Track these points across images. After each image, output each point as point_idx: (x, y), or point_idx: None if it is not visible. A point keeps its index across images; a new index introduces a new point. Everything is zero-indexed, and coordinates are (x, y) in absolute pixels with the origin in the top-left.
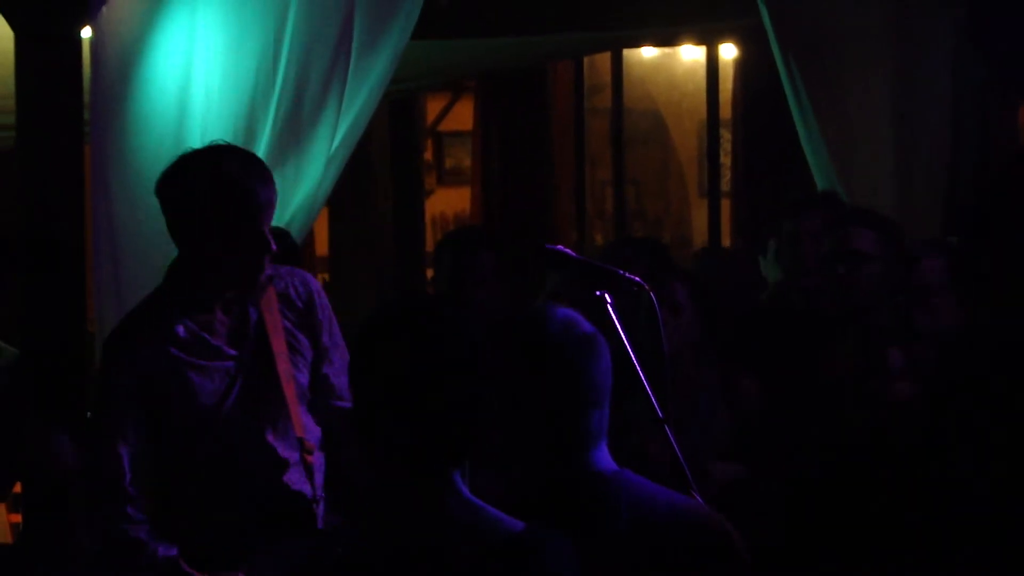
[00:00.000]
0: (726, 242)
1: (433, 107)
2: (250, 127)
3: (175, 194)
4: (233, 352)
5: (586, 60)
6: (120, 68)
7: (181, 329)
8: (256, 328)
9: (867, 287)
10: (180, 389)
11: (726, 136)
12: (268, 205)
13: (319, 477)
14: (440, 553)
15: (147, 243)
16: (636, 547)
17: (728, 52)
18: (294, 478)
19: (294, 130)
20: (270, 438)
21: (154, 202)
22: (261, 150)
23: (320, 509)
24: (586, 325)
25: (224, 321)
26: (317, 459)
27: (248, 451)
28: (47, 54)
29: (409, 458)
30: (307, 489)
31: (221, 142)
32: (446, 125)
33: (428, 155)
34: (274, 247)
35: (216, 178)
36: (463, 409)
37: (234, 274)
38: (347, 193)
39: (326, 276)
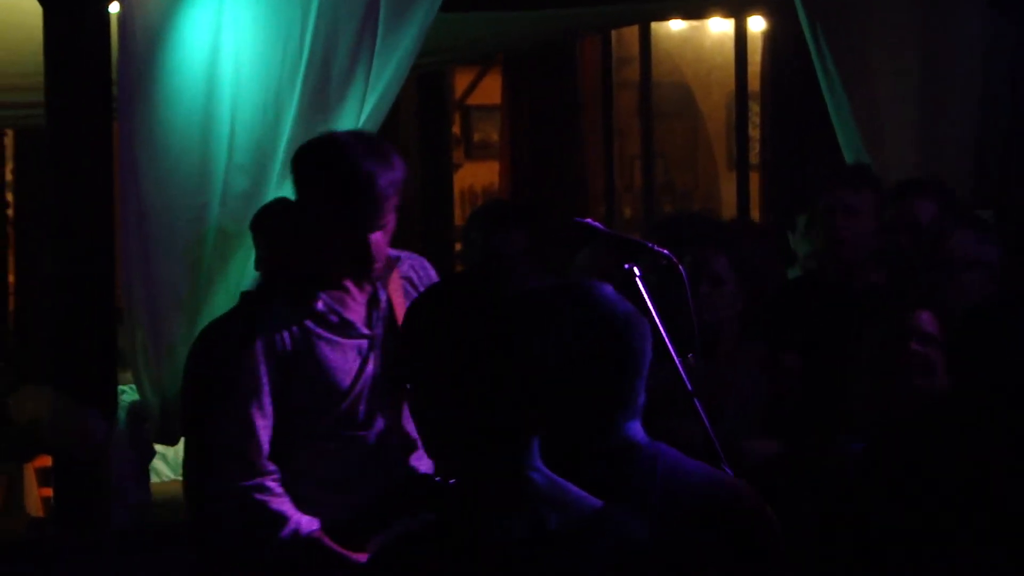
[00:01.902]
0: (755, 215)
1: (461, 81)
2: (279, 101)
3: (304, 172)
4: (366, 331)
5: (614, 33)
6: (148, 43)
7: (320, 303)
8: (387, 309)
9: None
10: (314, 365)
11: (755, 109)
12: (389, 187)
13: None
14: (528, 530)
15: (174, 218)
16: (669, 519)
17: (756, 24)
18: (422, 461)
19: (322, 104)
20: (399, 419)
21: (181, 178)
22: (288, 124)
23: None
24: (626, 303)
25: (358, 299)
26: None
27: (377, 432)
28: (75, 30)
29: (485, 434)
30: (433, 471)
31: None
32: (474, 99)
33: (456, 129)
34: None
35: (337, 162)
36: (535, 376)
37: (351, 254)
38: None
39: None
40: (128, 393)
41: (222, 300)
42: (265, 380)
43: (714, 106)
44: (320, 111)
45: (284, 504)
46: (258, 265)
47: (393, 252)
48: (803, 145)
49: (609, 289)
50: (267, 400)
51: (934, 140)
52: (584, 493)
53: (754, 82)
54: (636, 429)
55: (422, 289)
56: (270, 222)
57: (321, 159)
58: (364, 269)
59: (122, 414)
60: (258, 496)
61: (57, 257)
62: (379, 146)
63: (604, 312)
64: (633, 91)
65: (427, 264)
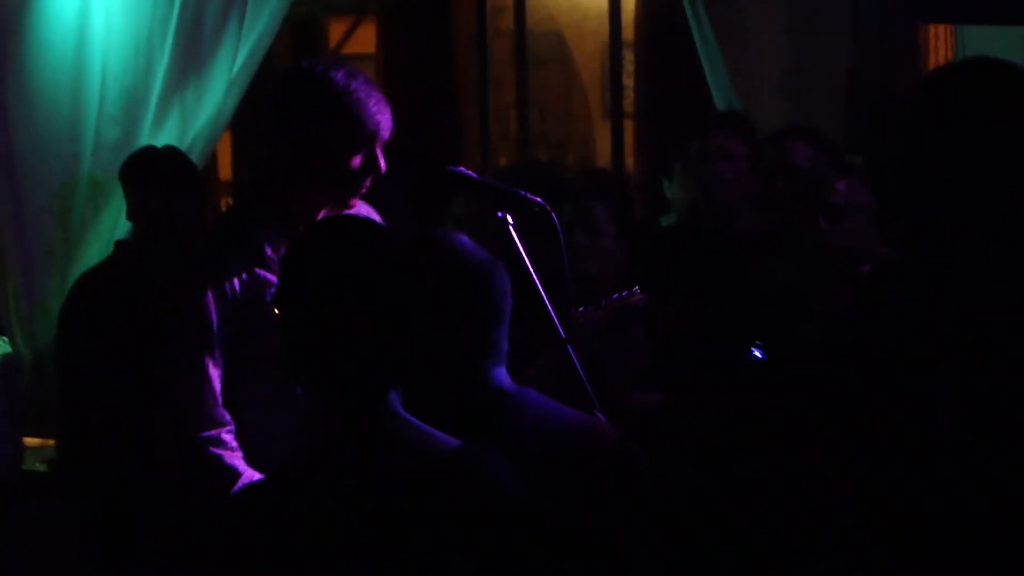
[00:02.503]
0: (629, 163)
1: (336, 30)
2: (150, 51)
3: (286, 99)
4: None
5: None
6: None
7: (269, 249)
8: None
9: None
10: (264, 314)
11: (628, 57)
12: (381, 121)
13: None
14: (383, 472)
15: (45, 169)
16: (540, 460)
17: None
18: None
19: (194, 54)
20: None
21: (52, 128)
22: (160, 75)
23: None
24: (483, 252)
25: None
26: None
27: None
28: None
29: (344, 380)
30: None
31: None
32: (349, 48)
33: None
34: (383, 168)
35: (323, 90)
36: (396, 326)
37: (336, 193)
38: (250, 116)
39: (229, 200)
40: (0, 345)
41: (94, 251)
42: (216, 328)
43: (588, 55)
44: (193, 61)
45: (236, 459)
46: (130, 215)
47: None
48: (677, 93)
49: (465, 238)
50: (218, 349)
51: (805, 87)
52: (444, 435)
53: (628, 31)
54: (502, 376)
55: None
56: (139, 170)
57: (305, 84)
58: (348, 194)
59: None
60: (213, 449)
61: None
62: (360, 76)
63: (461, 261)
64: (508, 39)
65: (375, 214)
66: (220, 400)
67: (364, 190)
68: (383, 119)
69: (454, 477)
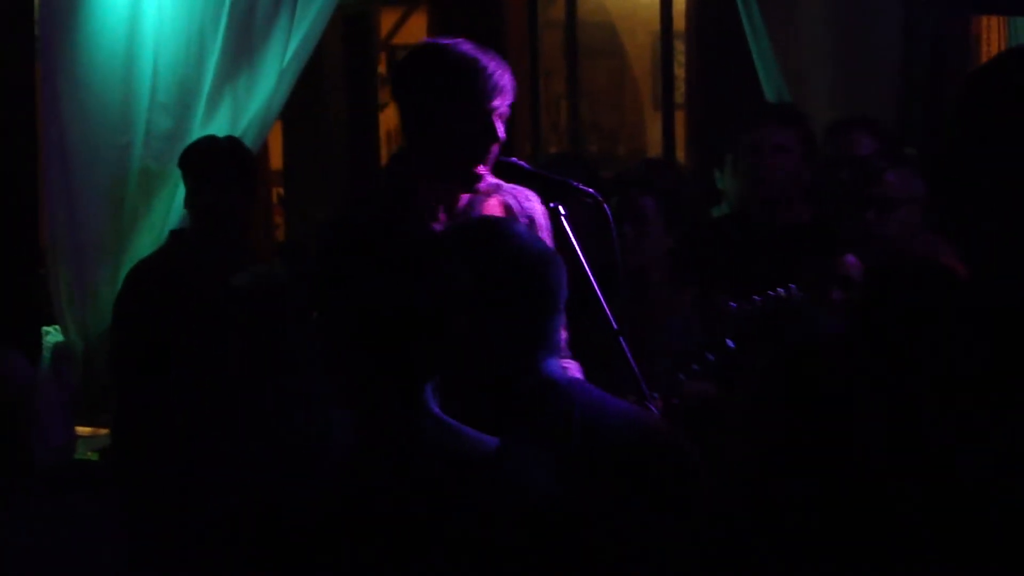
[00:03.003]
0: (680, 154)
1: (387, 21)
2: (202, 41)
3: (405, 80)
4: None
5: None
6: None
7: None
8: None
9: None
10: None
11: (680, 48)
12: (498, 89)
13: None
14: (419, 473)
15: (97, 158)
16: (588, 453)
17: None
18: None
19: (246, 44)
20: None
21: (104, 118)
22: (212, 64)
23: None
24: (540, 241)
25: (447, 223)
26: None
27: None
28: None
29: (378, 376)
30: None
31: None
32: (400, 39)
33: (382, 69)
34: (502, 136)
35: (446, 57)
36: (429, 322)
37: (456, 160)
38: (301, 107)
39: (280, 190)
40: (53, 334)
41: (146, 240)
42: None
43: (640, 46)
44: (244, 51)
45: None
46: (187, 205)
47: (495, 181)
48: (728, 85)
49: (521, 227)
50: None
51: (855, 79)
52: (480, 434)
53: (679, 21)
54: (554, 367)
55: (523, 221)
56: (199, 160)
57: (430, 58)
58: (471, 162)
59: (47, 355)
60: None
61: None
62: (481, 46)
63: (517, 250)
64: (559, 30)
65: (535, 198)
66: None
67: (490, 158)
68: (504, 85)
69: (488, 479)
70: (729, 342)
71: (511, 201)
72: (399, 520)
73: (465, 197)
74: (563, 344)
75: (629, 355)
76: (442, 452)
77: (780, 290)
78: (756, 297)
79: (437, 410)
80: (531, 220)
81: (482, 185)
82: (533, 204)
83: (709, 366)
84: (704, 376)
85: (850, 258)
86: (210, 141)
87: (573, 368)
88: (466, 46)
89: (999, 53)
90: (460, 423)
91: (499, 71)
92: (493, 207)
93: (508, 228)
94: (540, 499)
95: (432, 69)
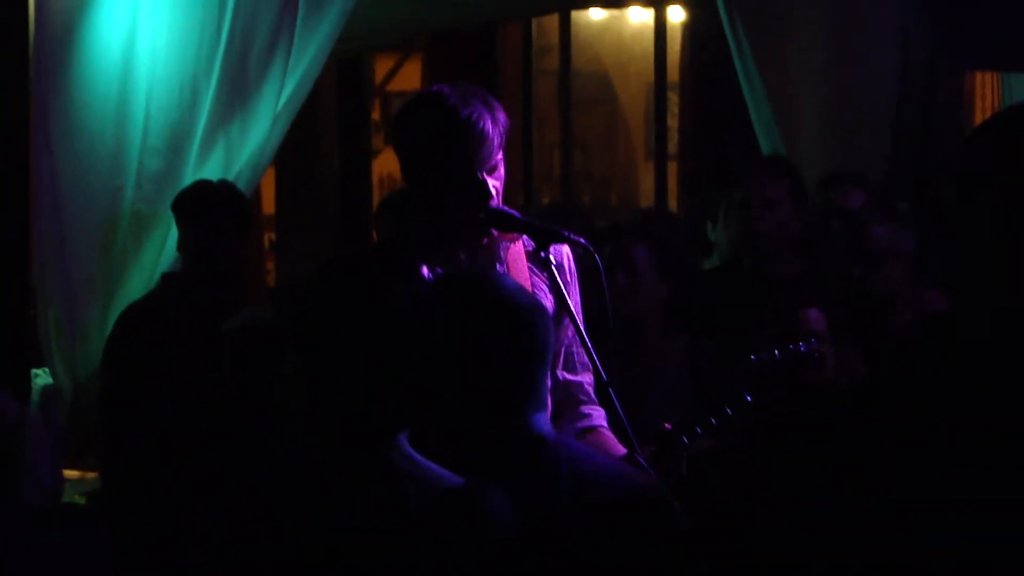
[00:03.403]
0: (672, 204)
1: (381, 67)
2: (195, 84)
3: (402, 132)
4: None
5: (534, 21)
6: (64, 23)
7: (425, 270)
8: None
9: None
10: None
11: (673, 99)
12: (485, 141)
13: None
14: (385, 506)
15: (88, 200)
16: (574, 511)
17: (676, 15)
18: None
19: (240, 87)
20: None
21: (96, 159)
22: (205, 107)
23: None
24: (527, 294)
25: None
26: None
27: None
28: None
29: (354, 422)
30: None
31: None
32: (394, 85)
33: (376, 115)
34: (493, 190)
35: (436, 108)
36: (405, 370)
37: (455, 216)
38: (294, 152)
39: (272, 235)
40: (42, 376)
41: (136, 283)
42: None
43: (633, 96)
44: (238, 95)
45: None
46: (179, 248)
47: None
48: (721, 135)
49: (511, 280)
50: None
51: (849, 133)
52: (449, 473)
53: (673, 72)
54: (542, 422)
55: (566, 275)
56: (193, 203)
57: (419, 110)
58: (479, 205)
59: (35, 397)
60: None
61: None
62: (477, 93)
63: (508, 304)
64: (553, 79)
65: (568, 252)
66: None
67: (494, 196)
68: (497, 125)
69: (450, 512)
70: (747, 395)
71: (554, 257)
72: (362, 550)
73: (485, 241)
74: (589, 390)
75: (619, 406)
76: (409, 485)
77: (802, 345)
78: (776, 351)
79: (409, 449)
80: (562, 259)
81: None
82: (560, 247)
83: (725, 421)
84: (718, 431)
85: (813, 313)
86: (204, 185)
87: (598, 416)
88: (447, 89)
89: (1008, 106)
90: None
91: (490, 111)
92: (518, 254)
93: (493, 280)
94: (501, 535)
95: (427, 116)
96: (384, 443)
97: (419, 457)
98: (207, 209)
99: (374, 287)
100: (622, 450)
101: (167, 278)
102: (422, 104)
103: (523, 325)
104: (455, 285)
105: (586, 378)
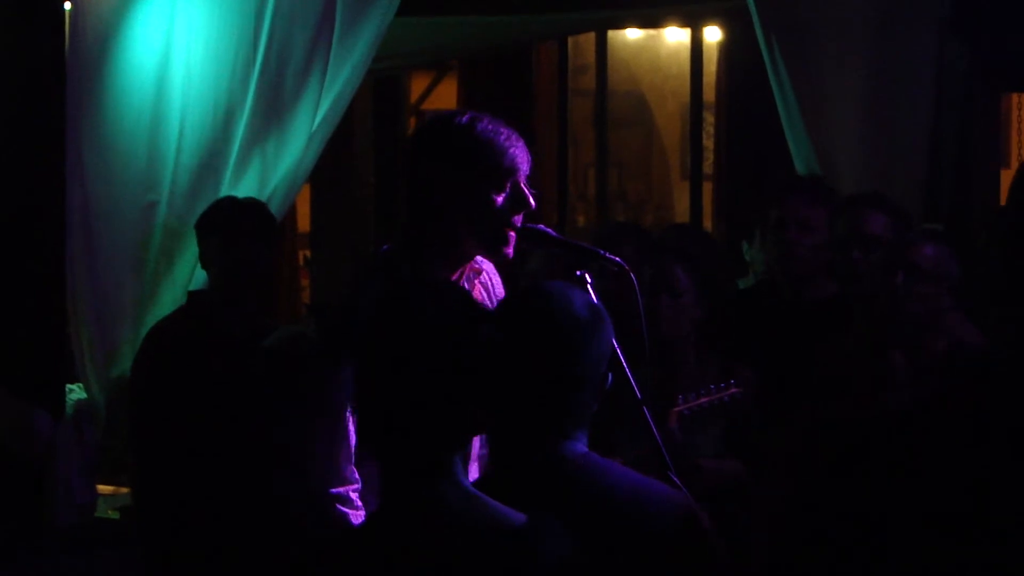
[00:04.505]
0: (707, 225)
1: (417, 86)
2: (230, 103)
3: (427, 147)
4: None
5: (570, 41)
6: (98, 41)
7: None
8: None
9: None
10: None
11: (709, 119)
12: (514, 158)
13: None
14: (443, 546)
15: (121, 218)
16: (598, 528)
17: (712, 35)
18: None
19: (276, 106)
20: None
21: (129, 177)
22: (242, 125)
23: None
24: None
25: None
26: None
27: None
28: (28, 26)
29: (407, 444)
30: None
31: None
32: (429, 104)
33: (411, 133)
34: (533, 205)
35: (449, 131)
36: (461, 391)
37: (480, 227)
38: (329, 170)
39: (307, 252)
40: (76, 392)
41: (168, 300)
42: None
43: (669, 116)
44: (273, 114)
45: (359, 518)
46: (204, 264)
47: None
48: (757, 156)
49: (577, 296)
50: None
51: (885, 153)
52: (506, 508)
53: (709, 92)
54: (582, 442)
55: (495, 294)
56: (220, 219)
57: (444, 131)
58: (496, 231)
59: (69, 412)
60: (340, 507)
61: (5, 256)
62: (502, 125)
63: (557, 320)
64: (589, 99)
65: (499, 282)
66: (353, 459)
67: (517, 226)
68: (517, 153)
69: (509, 553)
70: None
71: (487, 282)
72: None
73: (459, 271)
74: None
75: (653, 426)
76: (467, 523)
77: (723, 384)
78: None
79: (465, 482)
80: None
81: (473, 264)
82: (497, 283)
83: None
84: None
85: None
86: (231, 201)
87: None
88: (465, 117)
89: None
90: (487, 496)
91: (510, 137)
92: (476, 289)
93: (561, 295)
94: (564, 573)
95: (443, 143)
96: (438, 467)
97: (475, 490)
98: (234, 224)
99: (428, 310)
100: None
101: (193, 295)
102: (430, 127)
103: (567, 347)
104: (513, 301)
105: None
